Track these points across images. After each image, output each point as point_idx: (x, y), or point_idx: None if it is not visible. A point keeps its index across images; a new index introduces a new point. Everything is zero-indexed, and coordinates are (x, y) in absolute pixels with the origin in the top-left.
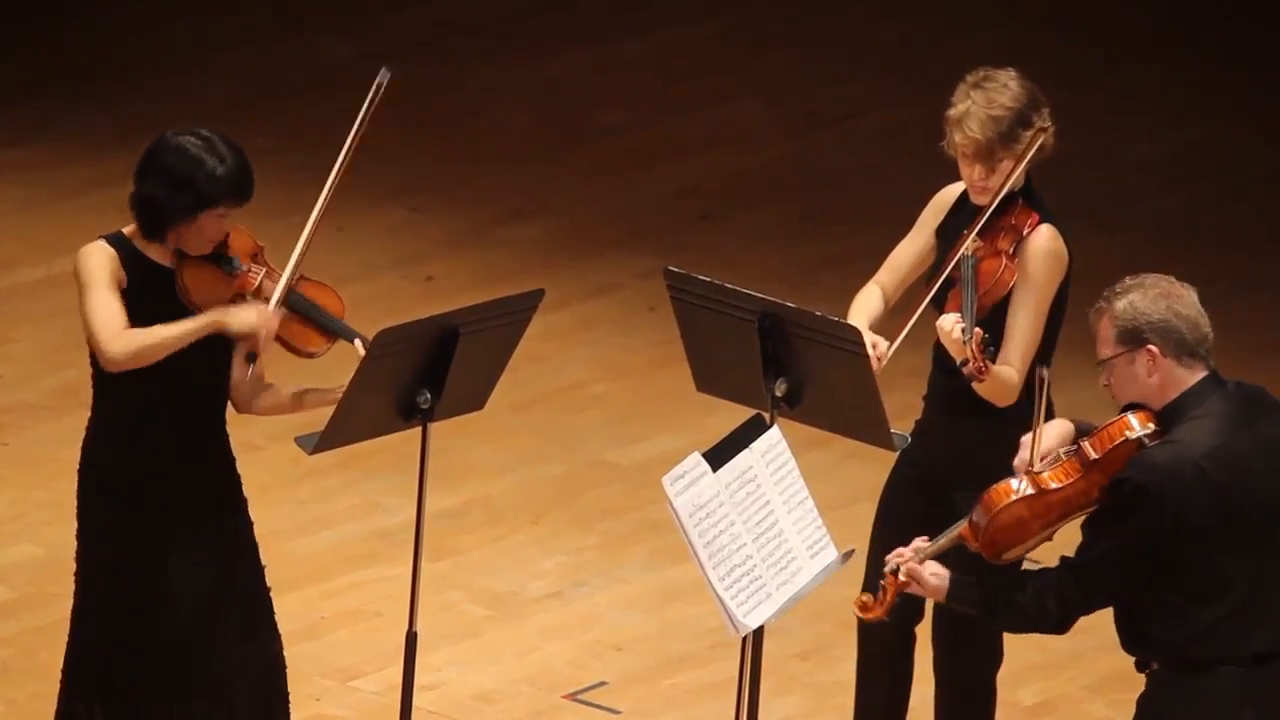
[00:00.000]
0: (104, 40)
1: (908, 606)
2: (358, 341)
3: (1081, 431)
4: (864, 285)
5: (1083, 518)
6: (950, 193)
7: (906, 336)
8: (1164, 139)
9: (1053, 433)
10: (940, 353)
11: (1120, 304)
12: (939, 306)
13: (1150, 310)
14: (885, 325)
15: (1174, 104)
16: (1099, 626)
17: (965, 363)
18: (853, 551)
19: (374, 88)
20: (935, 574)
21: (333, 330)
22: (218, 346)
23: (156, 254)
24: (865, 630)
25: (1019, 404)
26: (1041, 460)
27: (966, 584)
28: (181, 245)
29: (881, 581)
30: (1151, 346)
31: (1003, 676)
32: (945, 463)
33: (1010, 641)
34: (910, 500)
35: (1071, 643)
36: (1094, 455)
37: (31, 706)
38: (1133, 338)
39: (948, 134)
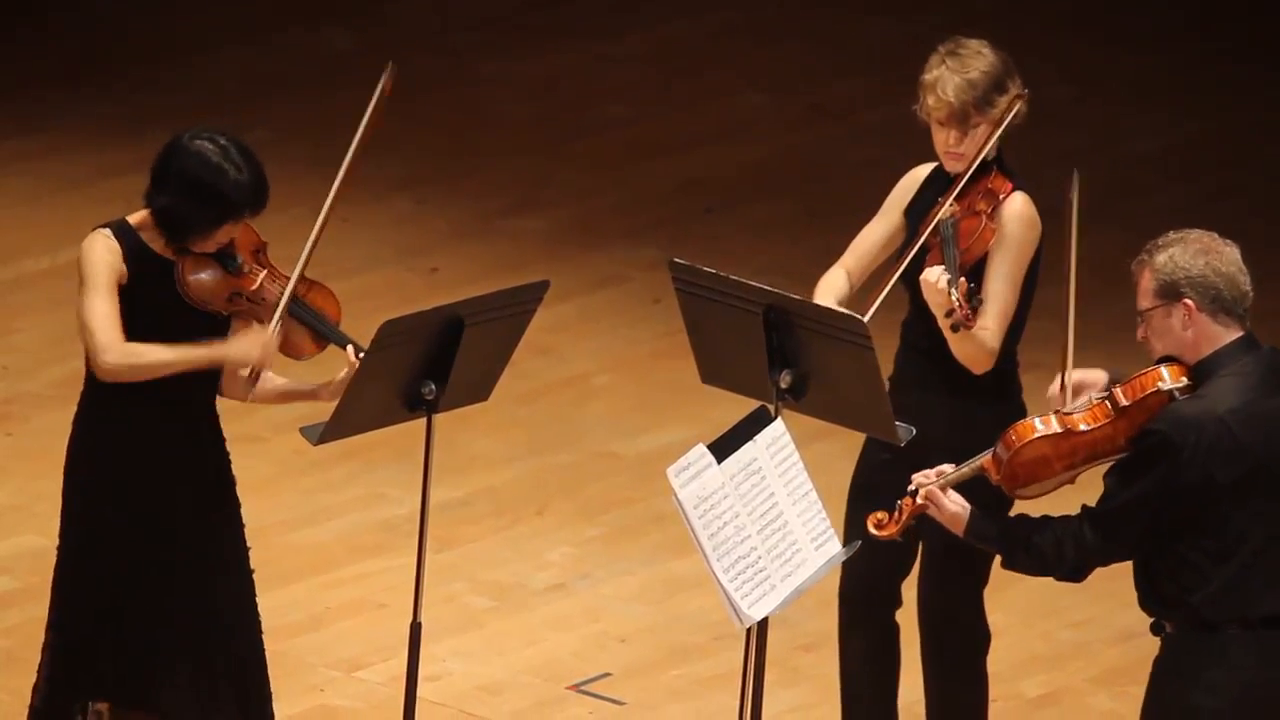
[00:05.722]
0: (109, 31)
1: (887, 592)
2: (350, 348)
3: (1115, 382)
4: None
5: (1105, 466)
6: (919, 173)
7: (874, 315)
8: (1165, 134)
9: (1089, 376)
10: (910, 330)
11: (1161, 257)
12: (910, 281)
13: (1189, 265)
14: (852, 306)
15: (1175, 99)
16: (1103, 618)
17: (950, 312)
18: (858, 544)
19: (380, 88)
20: (957, 504)
21: (326, 336)
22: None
23: (160, 246)
24: (846, 631)
25: (989, 383)
26: (1073, 401)
27: (986, 519)
28: (190, 245)
29: (899, 501)
30: (1188, 300)
31: (1007, 668)
32: (917, 441)
33: (1014, 633)
34: (884, 483)
35: (1076, 634)
36: (1124, 402)
37: None
38: (1170, 291)
39: (921, 98)
